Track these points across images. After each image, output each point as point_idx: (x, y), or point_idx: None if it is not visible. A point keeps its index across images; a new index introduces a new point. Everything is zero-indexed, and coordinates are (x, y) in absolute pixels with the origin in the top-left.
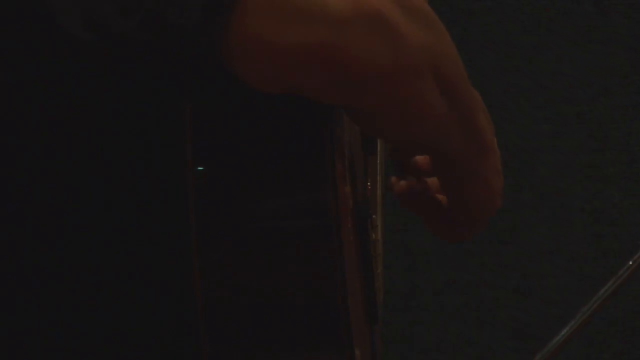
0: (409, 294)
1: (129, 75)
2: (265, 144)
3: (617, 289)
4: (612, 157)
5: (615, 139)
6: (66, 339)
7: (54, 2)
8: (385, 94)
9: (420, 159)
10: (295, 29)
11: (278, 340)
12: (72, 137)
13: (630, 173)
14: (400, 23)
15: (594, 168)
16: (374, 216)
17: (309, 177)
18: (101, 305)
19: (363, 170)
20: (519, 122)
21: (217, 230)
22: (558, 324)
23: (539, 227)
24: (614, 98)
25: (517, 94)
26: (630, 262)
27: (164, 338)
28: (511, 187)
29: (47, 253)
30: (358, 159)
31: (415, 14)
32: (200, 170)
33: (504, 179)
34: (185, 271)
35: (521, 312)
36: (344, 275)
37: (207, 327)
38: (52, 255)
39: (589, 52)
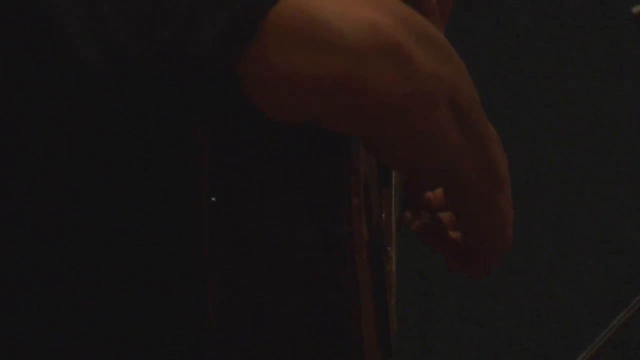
0: (422, 322)
1: (144, 104)
2: (281, 174)
3: (629, 320)
4: (624, 188)
5: (629, 169)
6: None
7: (71, 28)
8: (400, 124)
9: (435, 193)
10: (312, 60)
11: None
12: (86, 162)
13: None
14: (417, 54)
15: (606, 199)
16: (388, 248)
17: (325, 209)
18: (110, 324)
19: (378, 201)
20: (531, 153)
21: (231, 260)
22: (571, 354)
23: (552, 258)
24: (628, 128)
25: (528, 123)
26: None
27: (173, 356)
28: (523, 218)
29: (64, 273)
30: (373, 190)
31: (431, 45)
32: (214, 200)
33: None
34: (198, 300)
35: (534, 343)
36: (358, 307)
37: (216, 352)
38: (68, 280)
39: (603, 81)
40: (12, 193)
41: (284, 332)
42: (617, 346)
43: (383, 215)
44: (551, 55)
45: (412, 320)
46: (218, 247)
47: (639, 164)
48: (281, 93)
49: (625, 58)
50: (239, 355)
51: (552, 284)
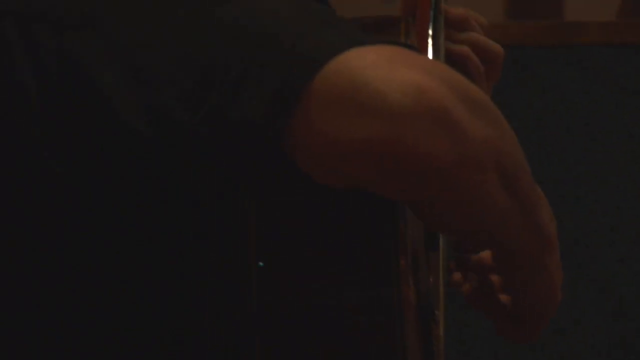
0: None
1: (191, 170)
2: (329, 238)
3: None
4: None
5: None
6: None
7: (117, 96)
8: (447, 187)
9: (483, 254)
10: (358, 124)
11: None
12: (135, 232)
13: None
14: (463, 117)
15: None
16: (436, 312)
17: (373, 273)
18: None
19: (426, 264)
20: (577, 215)
21: (279, 322)
22: None
23: (599, 319)
24: None
25: (574, 186)
26: None
27: None
28: (570, 280)
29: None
30: (421, 253)
31: (477, 108)
32: (262, 265)
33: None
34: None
35: None
36: None
37: None
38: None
39: None
40: (78, 266)
41: None
42: None
43: (431, 279)
44: (591, 122)
45: None
46: (265, 310)
47: None
48: (327, 157)
49: None
50: None
51: (600, 346)
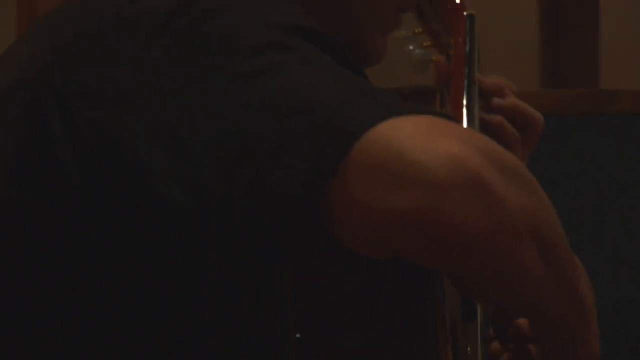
0: None
1: (230, 242)
2: (366, 308)
3: None
4: None
5: None
6: None
7: (155, 169)
8: (484, 256)
9: (521, 322)
10: (395, 195)
11: None
12: (172, 303)
13: None
14: (500, 186)
15: None
16: None
17: (411, 343)
18: None
19: (464, 334)
20: (614, 283)
21: None
22: None
23: None
24: None
25: (612, 253)
26: None
27: None
28: (609, 350)
29: None
30: (458, 322)
31: (513, 176)
32: (299, 337)
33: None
34: None
35: None
36: None
37: None
38: None
39: None
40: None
41: None
42: None
43: (469, 348)
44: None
45: None
46: None
47: None
48: (365, 228)
49: None
50: None
51: None
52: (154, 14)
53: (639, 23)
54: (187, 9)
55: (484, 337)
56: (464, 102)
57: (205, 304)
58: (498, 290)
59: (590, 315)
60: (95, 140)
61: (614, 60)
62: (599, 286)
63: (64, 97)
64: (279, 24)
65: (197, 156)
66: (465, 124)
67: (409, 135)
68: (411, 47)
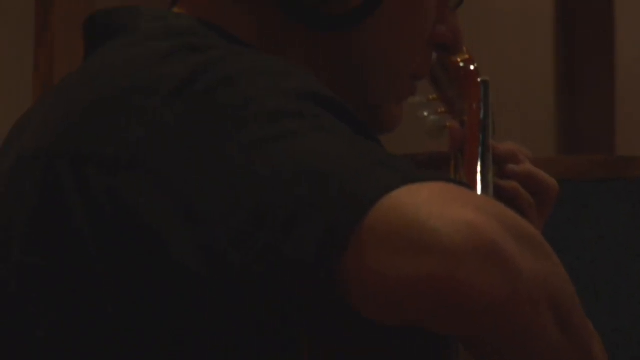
0: None
1: (244, 309)
2: None
3: None
4: None
5: None
6: None
7: (169, 236)
8: (499, 323)
9: None
10: (410, 262)
11: None
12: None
13: None
14: (515, 253)
15: None
16: None
17: None
18: None
19: None
20: (629, 349)
21: None
22: None
23: None
24: None
25: (629, 321)
26: None
27: None
28: None
29: None
30: None
31: (528, 243)
32: None
33: None
34: None
35: None
36: None
37: None
38: None
39: None
40: None
41: None
42: None
43: None
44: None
45: None
46: None
47: None
48: (379, 295)
49: None
50: None
51: None
52: (168, 80)
53: None
54: (201, 75)
55: None
56: (479, 168)
57: None
58: (513, 356)
59: None
60: (110, 206)
61: (631, 126)
62: (615, 352)
63: (79, 165)
64: (293, 90)
65: (211, 223)
66: (479, 190)
67: (424, 202)
68: (425, 114)
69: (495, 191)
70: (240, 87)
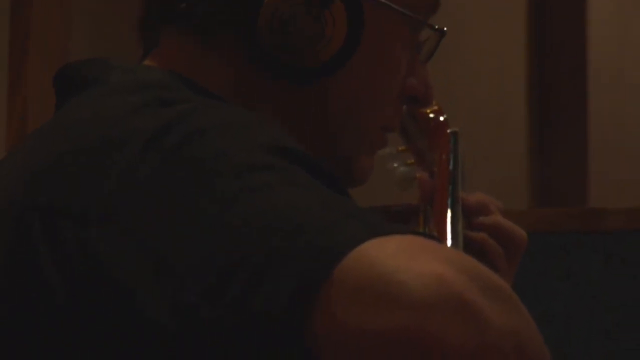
0: None
1: None
2: None
3: None
4: None
5: None
6: None
7: (140, 291)
8: None
9: None
10: (379, 314)
11: None
12: None
13: None
14: (484, 305)
15: None
16: None
17: None
18: None
19: None
20: None
21: None
22: None
23: None
24: None
25: None
26: None
27: None
28: None
29: None
30: None
31: (497, 296)
32: None
33: None
34: None
35: None
36: None
37: None
38: None
39: None
40: None
41: None
42: None
43: None
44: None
45: None
46: None
47: None
48: (349, 347)
49: None
50: None
51: None
52: (140, 134)
53: (627, 142)
54: (172, 129)
55: None
56: (448, 219)
57: None
58: None
59: None
60: (80, 259)
61: (603, 179)
62: None
63: (50, 217)
64: (264, 144)
65: (182, 277)
66: (449, 242)
67: (392, 255)
68: (395, 165)
69: (465, 242)
70: (211, 142)
